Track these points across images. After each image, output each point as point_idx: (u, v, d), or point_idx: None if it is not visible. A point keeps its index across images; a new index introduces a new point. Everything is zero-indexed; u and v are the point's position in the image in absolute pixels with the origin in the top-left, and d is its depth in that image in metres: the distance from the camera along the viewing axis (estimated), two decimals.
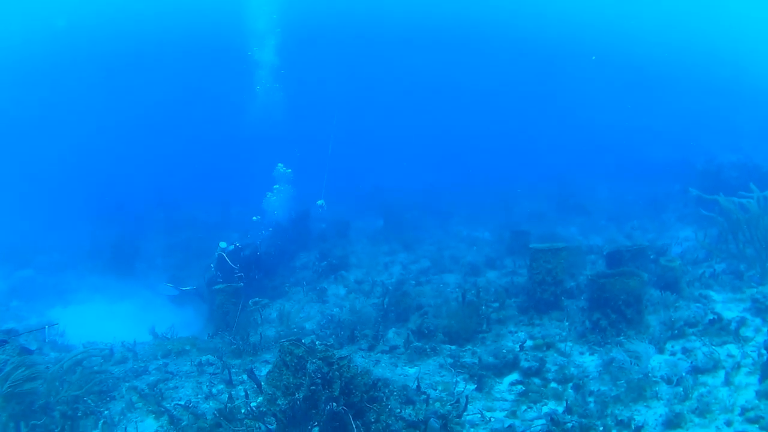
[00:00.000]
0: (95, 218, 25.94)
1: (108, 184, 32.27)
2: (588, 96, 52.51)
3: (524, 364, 9.45)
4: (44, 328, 10.49)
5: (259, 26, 31.08)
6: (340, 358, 7.29)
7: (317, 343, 10.88)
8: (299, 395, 7.03)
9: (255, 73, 30.01)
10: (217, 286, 12.88)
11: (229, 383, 9.39)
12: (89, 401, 9.07)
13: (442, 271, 16.25)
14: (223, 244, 16.31)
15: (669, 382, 8.60)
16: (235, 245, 16.35)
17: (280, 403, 7.10)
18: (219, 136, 48.55)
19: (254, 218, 21.97)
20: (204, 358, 10.66)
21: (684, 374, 8.72)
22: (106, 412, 9.10)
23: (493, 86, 56.59)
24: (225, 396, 8.83)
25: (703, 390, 8.26)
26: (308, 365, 7.10)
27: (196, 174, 34.71)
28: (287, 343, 7.49)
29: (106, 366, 11.10)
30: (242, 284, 13.12)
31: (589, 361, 9.70)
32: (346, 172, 34.86)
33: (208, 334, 12.55)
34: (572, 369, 9.36)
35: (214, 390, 9.35)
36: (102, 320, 17.22)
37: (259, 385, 8.21)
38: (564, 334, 10.67)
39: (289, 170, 21.92)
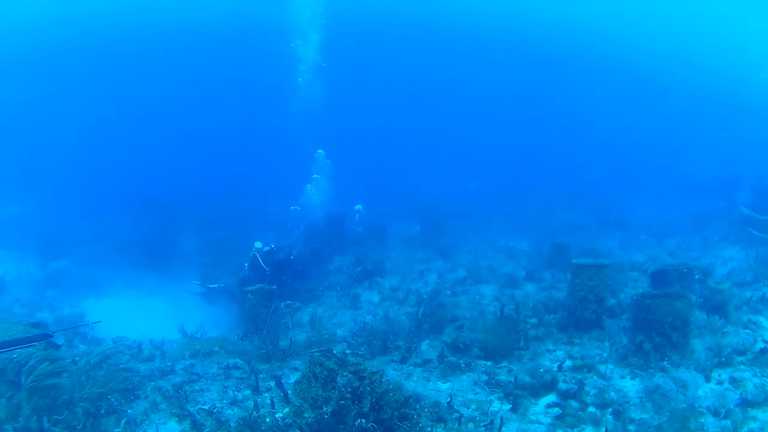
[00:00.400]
0: (133, 212, 25.92)
1: (147, 178, 32.35)
2: (632, 110, 51.55)
3: (562, 385, 9.01)
4: (87, 325, 10.31)
5: (302, 20, 30.90)
6: (372, 373, 6.94)
7: (348, 353, 10.59)
8: (327, 409, 6.69)
9: (296, 66, 29.82)
10: (249, 288, 12.58)
11: (256, 389, 9.08)
12: (113, 399, 8.83)
13: (479, 282, 15.79)
14: (258, 245, 16.07)
15: (716, 414, 8.11)
16: (270, 246, 16.10)
17: (306, 416, 6.77)
18: (259, 130, 48.46)
19: (293, 208, 21.76)
20: (232, 361, 10.37)
21: (732, 407, 8.21)
22: (129, 411, 8.87)
23: (539, 94, 55.78)
24: (250, 403, 8.51)
25: (753, 425, 7.75)
26: (339, 378, 6.77)
27: (235, 170, 34.62)
28: (318, 353, 7.16)
29: (133, 363, 10.90)
30: (275, 287, 12.79)
31: (630, 386, 9.22)
32: (385, 174, 34.61)
33: (238, 335, 12.28)
34: (612, 393, 8.90)
35: (239, 395, 9.04)
36: (133, 315, 17.14)
37: (286, 395, 7.89)
38: (604, 355, 10.20)
39: (328, 160, 21.66)
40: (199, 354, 11.11)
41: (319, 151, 22.14)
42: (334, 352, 10.65)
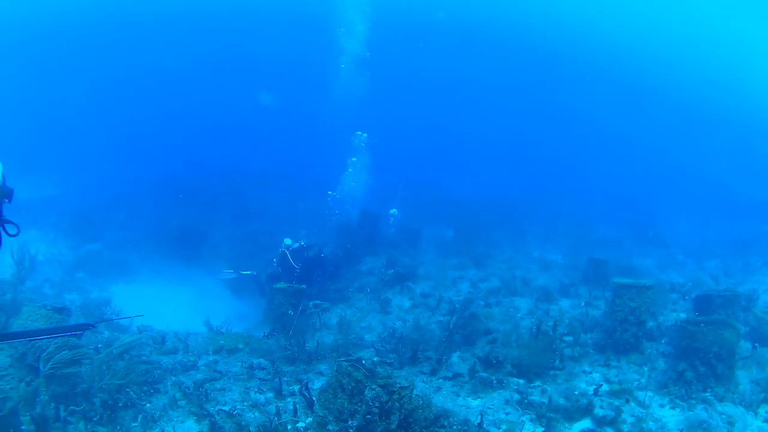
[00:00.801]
0: (167, 200, 25.77)
1: (184, 167, 32.20)
2: (679, 128, 50.50)
3: (599, 411, 8.51)
4: (130, 318, 10.06)
5: (348, 13, 30.59)
6: (402, 388, 6.53)
7: (376, 360, 10.19)
8: (353, 423, 6.30)
9: (339, 58, 29.55)
10: (278, 285, 12.25)
11: (279, 393, 8.71)
12: (131, 392, 8.52)
13: (513, 294, 15.28)
14: (288, 241, 15.74)
15: None
16: (300, 244, 15.75)
17: (330, 429, 6.38)
18: (299, 121, 48.15)
19: (329, 192, 21.41)
20: (255, 360, 10.04)
21: None
22: (148, 405, 8.58)
23: (587, 105, 54.85)
24: (272, 407, 8.15)
25: None
26: (366, 391, 6.37)
27: (271, 162, 34.34)
28: (346, 363, 6.77)
29: (155, 355, 10.63)
30: (304, 286, 12.44)
31: (670, 416, 8.70)
32: (420, 177, 34.12)
33: (264, 333, 11.96)
34: (650, 423, 8.39)
35: (261, 398, 8.69)
36: (160, 303, 16.97)
37: (310, 404, 7.51)
38: (643, 381, 9.68)
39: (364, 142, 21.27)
40: (223, 350, 10.82)
41: (358, 132, 21.72)
42: (362, 357, 10.31)
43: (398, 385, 6.54)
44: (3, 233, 5.01)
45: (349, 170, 22.04)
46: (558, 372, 9.79)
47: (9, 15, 48.56)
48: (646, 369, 10.12)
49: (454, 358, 10.32)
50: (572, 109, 53.94)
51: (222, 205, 26.13)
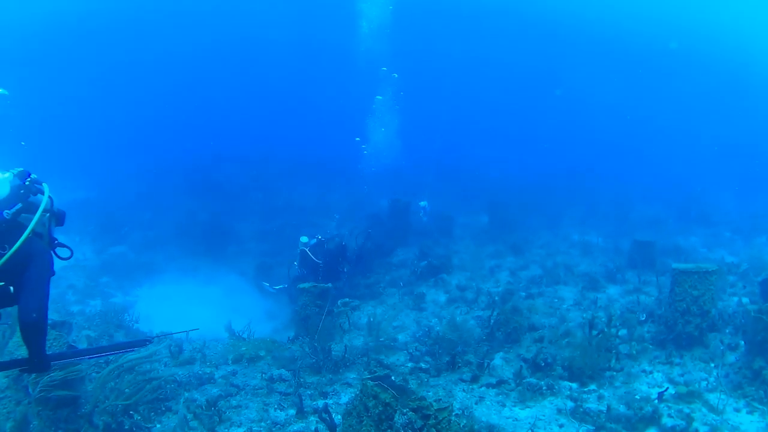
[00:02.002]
0: (192, 197, 24.85)
1: (209, 162, 31.22)
2: (717, 102, 48.20)
3: (667, 420, 7.29)
4: (186, 332, 9.31)
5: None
6: (440, 410, 5.37)
7: (410, 366, 9.04)
8: None
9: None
10: (302, 285, 11.15)
11: (300, 411, 7.59)
12: (137, 416, 7.50)
13: (556, 282, 13.98)
14: (304, 239, 14.62)
15: None
16: (318, 238, 14.64)
17: None
18: (325, 110, 46.99)
19: (357, 138, 20.24)
20: (276, 372, 8.97)
21: None
22: (158, 426, 7.56)
23: (622, 83, 52.76)
24: (293, 429, 7.06)
25: None
26: (397, 417, 5.21)
27: (298, 154, 33.15)
28: (372, 383, 5.63)
29: (170, 367, 9.63)
30: (330, 285, 11.31)
31: (748, 423, 7.43)
32: (452, 161, 32.74)
33: (288, 337, 10.91)
34: None
35: (281, 416, 7.59)
36: (186, 304, 16.17)
37: (332, 429, 6.40)
38: (712, 380, 8.40)
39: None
40: (244, 359, 9.76)
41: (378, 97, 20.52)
42: (393, 366, 9.18)
43: (434, 407, 5.38)
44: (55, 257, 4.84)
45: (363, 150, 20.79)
46: (615, 373, 8.54)
47: (31, 15, 48.13)
48: (713, 366, 8.84)
49: (497, 360, 9.14)
50: (607, 87, 51.95)
51: (248, 200, 25.13)
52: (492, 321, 10.32)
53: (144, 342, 5.49)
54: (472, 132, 44.70)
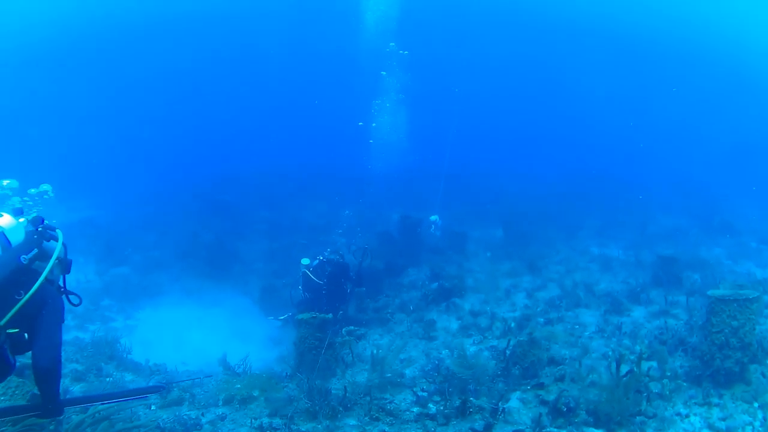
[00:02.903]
0: (197, 217, 23.94)
1: (215, 182, 30.32)
2: (736, 100, 46.57)
3: None
4: (200, 378, 8.75)
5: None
6: None
7: (415, 410, 8.00)
8: None
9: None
10: (300, 316, 10.16)
11: None
12: None
13: (576, 305, 12.85)
14: (305, 261, 13.65)
15: None
16: (319, 259, 13.68)
17: None
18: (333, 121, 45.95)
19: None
20: (267, 421, 7.95)
21: None
22: None
23: (637, 88, 51.24)
24: None
25: None
26: None
27: (305, 170, 32.10)
28: None
29: (154, 411, 8.66)
30: (330, 316, 10.30)
31: None
32: (464, 173, 31.61)
33: (287, 373, 9.92)
34: None
35: None
36: (187, 329, 15.28)
37: None
38: (758, 425, 7.31)
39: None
40: (235, 400, 8.76)
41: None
42: (398, 405, 8.16)
43: None
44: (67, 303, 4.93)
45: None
46: (647, 419, 7.44)
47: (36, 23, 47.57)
48: (757, 406, 7.74)
49: (514, 401, 8.09)
50: (624, 93, 50.49)
51: (256, 219, 24.19)
52: (507, 354, 9.28)
53: (158, 389, 5.64)
54: (484, 141, 43.49)
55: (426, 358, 10.28)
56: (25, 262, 4.50)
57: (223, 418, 8.25)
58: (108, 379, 10.16)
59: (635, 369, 7.59)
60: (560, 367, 8.86)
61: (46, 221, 4.91)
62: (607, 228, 23.71)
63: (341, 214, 18.63)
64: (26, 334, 4.39)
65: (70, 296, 5.06)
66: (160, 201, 27.23)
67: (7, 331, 4.32)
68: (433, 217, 19.20)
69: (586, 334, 10.91)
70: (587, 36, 52.30)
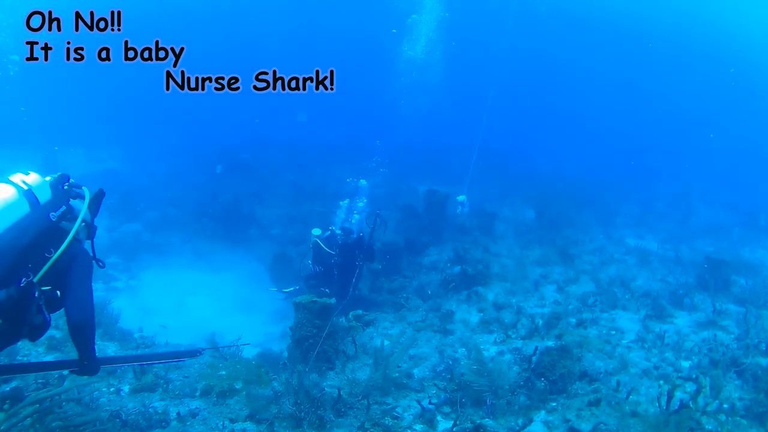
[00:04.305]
0: (218, 175, 22.58)
1: (239, 140, 28.82)
2: None
3: None
4: (237, 346, 8.43)
5: None
6: None
7: (419, 428, 6.54)
8: None
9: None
10: (299, 298, 8.73)
11: None
12: None
13: (612, 305, 11.21)
14: (317, 231, 12.20)
15: None
16: (331, 230, 12.24)
17: None
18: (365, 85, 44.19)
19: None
20: (240, 427, 6.56)
21: None
22: None
23: (678, 73, 48.58)
24: None
25: None
26: None
27: (334, 133, 30.45)
28: None
29: (123, 396, 7.35)
30: (333, 301, 8.84)
31: None
32: (498, 149, 29.81)
33: (282, 362, 8.54)
34: None
35: None
36: (191, 294, 14.00)
37: None
38: None
39: None
40: (214, 391, 7.40)
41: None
42: (401, 414, 6.75)
43: None
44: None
45: None
46: None
47: None
48: None
49: (537, 424, 6.60)
50: (667, 78, 47.90)
51: (278, 182, 22.72)
52: (533, 361, 7.77)
53: (194, 353, 5.30)
54: (521, 118, 41.46)
55: (439, 356, 8.77)
56: (54, 219, 4.43)
57: (194, 414, 6.90)
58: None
59: (690, 404, 6.03)
60: (594, 385, 7.33)
61: (71, 179, 4.78)
62: (645, 217, 21.95)
63: (356, 184, 17.06)
64: (58, 292, 4.32)
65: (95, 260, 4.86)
66: (184, 157, 25.95)
67: (42, 288, 4.20)
68: (461, 197, 17.51)
69: (624, 342, 9.31)
70: (633, 26, 49.53)
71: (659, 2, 47.98)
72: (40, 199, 4.46)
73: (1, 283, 3.92)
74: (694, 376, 7.91)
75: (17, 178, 4.46)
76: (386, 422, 6.53)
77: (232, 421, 6.70)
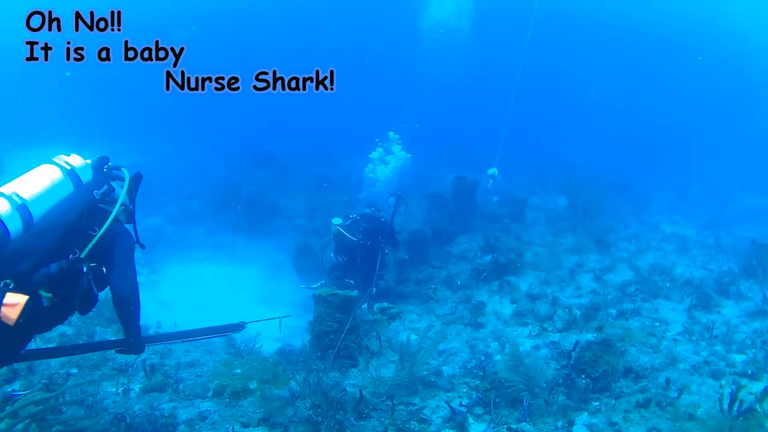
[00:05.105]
0: (242, 166, 21.97)
1: (263, 129, 28.21)
2: None
3: None
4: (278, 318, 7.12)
5: None
6: None
7: None
8: None
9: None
10: (317, 291, 8.11)
11: None
12: None
13: (653, 295, 10.40)
14: (337, 220, 11.48)
15: None
16: (352, 217, 11.48)
17: None
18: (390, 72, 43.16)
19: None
20: (252, 431, 5.96)
21: None
22: None
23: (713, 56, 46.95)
24: None
25: None
26: None
27: (360, 120, 29.63)
28: None
29: (130, 397, 6.81)
30: (356, 293, 8.18)
31: None
32: (526, 135, 28.81)
33: (302, 358, 7.91)
34: None
35: None
36: (213, 288, 13.57)
37: None
38: None
39: None
40: (227, 391, 6.81)
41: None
42: (430, 416, 6.09)
43: None
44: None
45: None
46: None
47: None
48: None
49: (580, 427, 5.90)
50: (700, 60, 46.29)
51: (302, 171, 22.06)
52: (573, 357, 7.06)
53: (238, 327, 5.25)
54: (549, 103, 40.25)
55: (470, 351, 8.08)
56: (97, 197, 4.57)
57: (204, 417, 6.32)
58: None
59: (757, 407, 5.27)
60: (641, 383, 6.60)
61: (111, 161, 4.91)
62: (680, 203, 20.95)
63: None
64: (104, 268, 4.39)
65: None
66: (205, 148, 25.46)
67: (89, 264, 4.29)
68: (491, 170, 16.44)
69: (669, 334, 8.53)
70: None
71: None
72: (82, 179, 4.62)
73: (51, 259, 4.03)
74: (750, 372, 7.16)
75: (60, 159, 4.60)
76: (412, 427, 5.87)
77: (244, 425, 6.12)
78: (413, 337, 8.11)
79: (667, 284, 11.06)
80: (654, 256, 13.81)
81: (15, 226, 4.06)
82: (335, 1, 48.66)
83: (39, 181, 4.36)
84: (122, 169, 4.96)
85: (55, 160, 4.58)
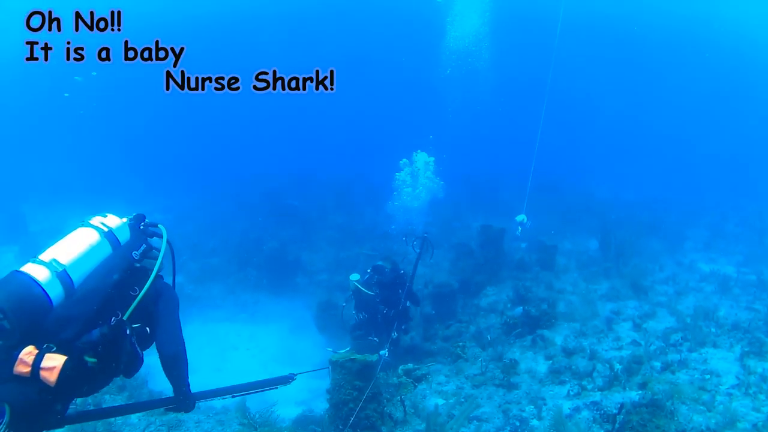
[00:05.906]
0: (262, 221, 21.56)
1: (284, 183, 27.87)
2: None
3: None
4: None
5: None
6: None
7: None
8: None
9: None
10: (335, 356, 7.50)
11: None
12: None
13: (701, 343, 9.64)
14: (355, 276, 10.93)
15: None
16: (369, 272, 10.98)
17: None
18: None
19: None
20: None
21: None
22: None
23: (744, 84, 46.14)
24: None
25: None
26: None
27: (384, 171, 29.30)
28: None
29: None
30: (376, 358, 7.57)
31: None
32: (552, 177, 28.20)
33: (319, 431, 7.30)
34: None
35: None
36: (233, 349, 13.59)
37: None
38: None
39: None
40: None
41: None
42: None
43: None
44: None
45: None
46: None
47: None
48: None
49: None
50: (730, 92, 45.50)
51: (327, 225, 21.55)
52: (617, 423, 6.33)
53: (287, 379, 5.22)
54: (573, 143, 39.68)
55: (503, 416, 7.37)
56: (136, 258, 4.52)
57: None
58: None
59: None
60: None
61: (147, 219, 4.84)
62: (716, 240, 20.01)
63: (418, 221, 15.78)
64: (147, 329, 4.36)
65: None
66: (227, 203, 25.14)
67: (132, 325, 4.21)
68: (520, 217, 15.69)
69: (723, 388, 7.75)
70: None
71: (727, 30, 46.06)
72: (120, 240, 4.53)
73: (93, 324, 3.94)
74: None
75: (96, 220, 4.50)
76: None
77: None
78: (440, 401, 7.44)
79: (713, 329, 10.27)
80: (694, 298, 12.99)
81: (56, 294, 3.94)
82: (356, 26, 49.08)
83: (77, 246, 4.24)
84: (159, 225, 4.86)
85: (91, 222, 4.47)
